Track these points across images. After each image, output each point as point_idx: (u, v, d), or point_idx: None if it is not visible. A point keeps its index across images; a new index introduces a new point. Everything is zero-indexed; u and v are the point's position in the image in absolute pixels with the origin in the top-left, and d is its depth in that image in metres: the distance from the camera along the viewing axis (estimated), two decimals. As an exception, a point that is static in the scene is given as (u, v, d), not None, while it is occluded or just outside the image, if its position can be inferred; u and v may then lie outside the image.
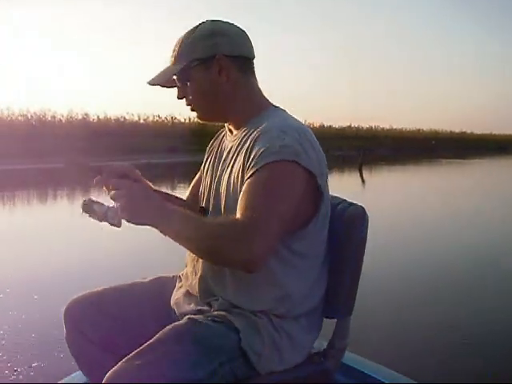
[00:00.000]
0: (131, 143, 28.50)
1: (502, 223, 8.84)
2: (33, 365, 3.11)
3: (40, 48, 76.65)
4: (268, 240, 1.24)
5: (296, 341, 1.42)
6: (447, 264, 5.78)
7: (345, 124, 50.61)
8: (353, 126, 50.96)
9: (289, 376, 1.41)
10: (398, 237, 7.49)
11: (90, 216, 1.30)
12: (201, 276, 1.48)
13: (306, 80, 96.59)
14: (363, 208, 1.55)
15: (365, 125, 52.65)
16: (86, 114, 32.55)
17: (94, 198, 1.32)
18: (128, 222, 1.25)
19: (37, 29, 77.85)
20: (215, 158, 1.59)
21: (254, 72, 1.51)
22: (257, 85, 1.51)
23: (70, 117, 31.71)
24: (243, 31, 1.48)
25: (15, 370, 3.04)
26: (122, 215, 1.23)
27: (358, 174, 20.06)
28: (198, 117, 1.52)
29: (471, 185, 16.12)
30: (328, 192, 1.44)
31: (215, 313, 1.40)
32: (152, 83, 1.47)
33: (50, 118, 30.29)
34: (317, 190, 1.38)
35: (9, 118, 28.44)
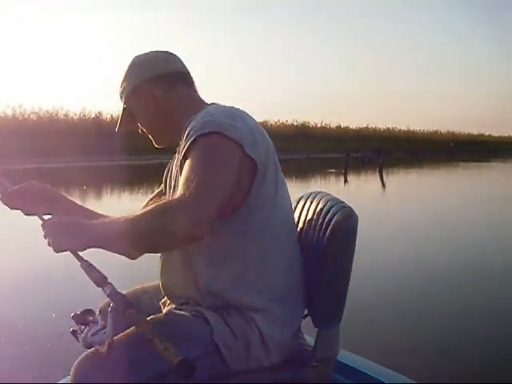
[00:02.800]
0: (144, 142, 28.15)
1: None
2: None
3: (54, 46, 76.93)
4: (202, 207, 1.22)
5: (266, 336, 1.40)
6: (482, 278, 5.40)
7: (362, 125, 50.34)
8: (370, 127, 50.71)
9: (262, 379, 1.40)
10: (426, 248, 6.97)
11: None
12: (171, 283, 1.52)
13: (319, 79, 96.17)
14: (351, 210, 1.47)
15: (382, 126, 52.35)
16: (99, 113, 32.36)
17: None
18: (67, 250, 1.28)
19: (52, 27, 78.18)
20: (169, 171, 1.66)
21: (183, 82, 1.55)
22: (189, 92, 1.55)
23: (83, 115, 31.54)
24: (165, 52, 1.57)
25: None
26: (57, 247, 1.27)
27: (378, 177, 19.49)
28: (155, 143, 1.59)
29: (498, 191, 15.40)
30: (274, 175, 1.42)
31: (191, 308, 1.43)
32: (119, 130, 1.65)
33: (62, 117, 30.12)
34: (252, 164, 1.36)
35: (20, 117, 28.26)
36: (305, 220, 1.61)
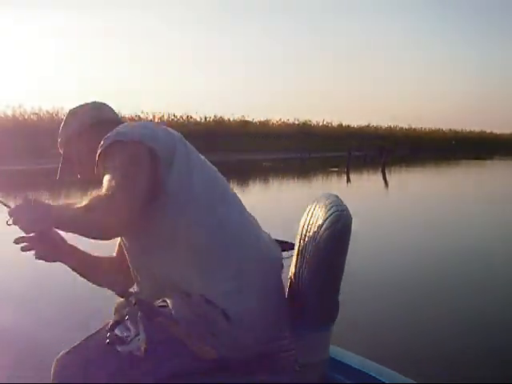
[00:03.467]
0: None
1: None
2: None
3: (53, 46, 76.92)
4: (122, 207, 1.40)
5: (233, 322, 1.46)
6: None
7: (363, 123, 50.23)
8: (371, 125, 50.59)
9: None
10: (426, 248, 6.85)
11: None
12: (143, 286, 1.60)
13: (320, 78, 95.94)
14: (345, 211, 1.48)
15: (384, 124, 52.21)
16: (100, 113, 32.16)
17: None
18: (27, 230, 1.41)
19: (51, 28, 78.16)
20: None
21: (109, 125, 1.65)
22: None
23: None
24: (99, 103, 1.77)
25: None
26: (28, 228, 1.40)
27: (380, 176, 19.37)
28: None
29: (503, 189, 15.27)
30: (185, 167, 1.52)
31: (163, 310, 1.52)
32: (60, 179, 1.77)
33: (62, 117, 29.91)
34: (155, 154, 1.49)
35: (21, 117, 28.15)
36: (308, 222, 1.66)
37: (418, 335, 3.66)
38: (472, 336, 3.66)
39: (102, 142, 1.51)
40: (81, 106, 1.76)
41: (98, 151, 1.51)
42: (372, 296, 4.34)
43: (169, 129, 1.63)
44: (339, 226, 1.47)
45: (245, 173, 21.87)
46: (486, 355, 3.32)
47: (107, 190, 1.41)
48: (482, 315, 4.10)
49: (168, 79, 74.20)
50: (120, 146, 1.48)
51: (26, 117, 28.30)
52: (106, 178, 1.45)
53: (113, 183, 1.42)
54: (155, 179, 1.48)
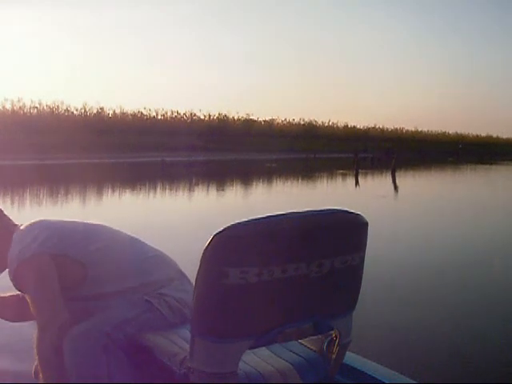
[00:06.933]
0: (147, 140, 27.98)
1: None
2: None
3: (56, 39, 76.88)
4: (55, 321, 1.66)
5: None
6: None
7: (369, 125, 50.05)
8: (377, 127, 50.40)
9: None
10: (432, 251, 6.58)
11: None
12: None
13: (326, 78, 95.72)
14: (361, 216, 1.48)
15: (390, 126, 52.06)
16: (101, 108, 31.99)
17: None
18: None
19: (53, 22, 78.05)
20: None
21: None
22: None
23: (84, 110, 31.17)
24: None
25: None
26: None
27: (389, 179, 18.94)
28: None
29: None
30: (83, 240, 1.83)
31: None
32: None
33: (63, 111, 29.73)
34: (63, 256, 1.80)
35: (21, 111, 27.91)
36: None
37: (419, 335, 3.61)
38: (473, 336, 3.61)
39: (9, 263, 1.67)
40: None
41: (10, 274, 1.67)
42: (372, 297, 4.05)
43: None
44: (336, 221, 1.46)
45: (248, 174, 21.47)
46: (487, 355, 3.29)
47: (34, 312, 1.63)
48: (483, 316, 4.07)
49: (171, 75, 74.16)
50: (26, 266, 1.64)
51: (26, 111, 28.04)
52: (28, 298, 1.65)
53: (34, 305, 1.62)
54: (72, 270, 1.70)
